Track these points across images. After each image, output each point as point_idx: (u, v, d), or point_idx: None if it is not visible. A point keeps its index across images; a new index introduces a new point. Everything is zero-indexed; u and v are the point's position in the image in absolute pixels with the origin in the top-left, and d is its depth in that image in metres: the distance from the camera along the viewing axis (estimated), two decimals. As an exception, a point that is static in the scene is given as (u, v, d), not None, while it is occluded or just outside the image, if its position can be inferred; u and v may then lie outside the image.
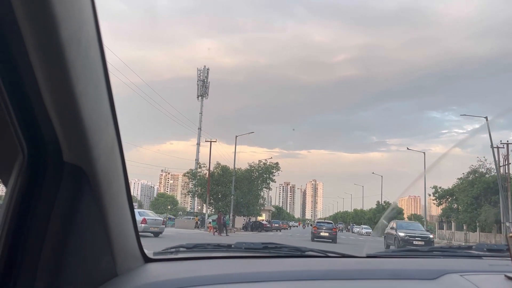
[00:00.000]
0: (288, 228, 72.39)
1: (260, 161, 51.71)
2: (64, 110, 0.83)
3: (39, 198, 0.95)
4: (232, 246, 1.80)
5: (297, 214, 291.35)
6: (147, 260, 1.44)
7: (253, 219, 50.44)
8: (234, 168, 47.90)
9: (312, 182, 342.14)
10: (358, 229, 69.07)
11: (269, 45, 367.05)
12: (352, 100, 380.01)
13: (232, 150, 47.78)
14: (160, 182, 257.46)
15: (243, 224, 47.00)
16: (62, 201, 0.96)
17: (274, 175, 50.90)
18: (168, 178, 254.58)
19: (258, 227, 45.98)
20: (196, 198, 51.16)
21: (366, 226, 67.91)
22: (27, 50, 0.72)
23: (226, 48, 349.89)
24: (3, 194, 1.00)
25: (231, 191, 45.01)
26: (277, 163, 51.28)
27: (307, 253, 1.72)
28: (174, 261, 1.58)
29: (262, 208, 48.65)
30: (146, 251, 1.46)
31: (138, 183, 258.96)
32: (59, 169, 0.95)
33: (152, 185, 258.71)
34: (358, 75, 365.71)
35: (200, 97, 52.06)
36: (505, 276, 1.25)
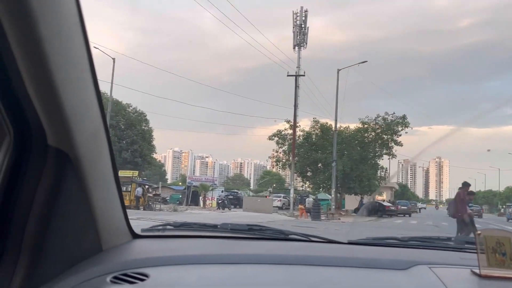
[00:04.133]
0: (418, 211, 55.80)
1: (378, 115, 35.06)
2: (46, 97, 0.92)
3: (24, 178, 1.03)
4: (218, 226, 1.88)
5: (420, 194, 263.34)
6: (135, 236, 1.57)
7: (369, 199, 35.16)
8: (336, 120, 32.33)
9: (436, 159, 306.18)
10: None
11: (383, 17, 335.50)
12: (478, 69, 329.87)
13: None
14: (272, 160, 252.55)
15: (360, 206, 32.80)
16: (46, 182, 1.04)
17: (400, 135, 34.28)
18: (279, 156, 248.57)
19: (377, 210, 31.24)
20: (288, 169, 37.64)
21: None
22: (10, 46, 0.80)
23: (336, 24, 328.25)
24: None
25: (333, 157, 30.35)
26: (404, 116, 34.31)
27: (290, 236, 1.82)
28: (160, 238, 1.72)
29: (383, 184, 33.31)
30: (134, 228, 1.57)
31: (251, 163, 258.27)
32: (43, 152, 1.03)
33: (264, 165, 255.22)
34: (487, 41, 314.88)
35: (297, 47, 37.45)
36: (471, 271, 1.31)
